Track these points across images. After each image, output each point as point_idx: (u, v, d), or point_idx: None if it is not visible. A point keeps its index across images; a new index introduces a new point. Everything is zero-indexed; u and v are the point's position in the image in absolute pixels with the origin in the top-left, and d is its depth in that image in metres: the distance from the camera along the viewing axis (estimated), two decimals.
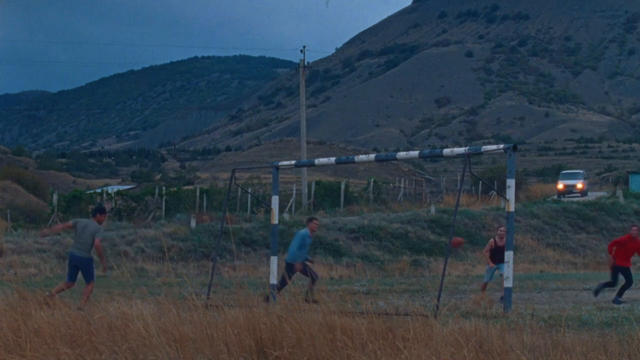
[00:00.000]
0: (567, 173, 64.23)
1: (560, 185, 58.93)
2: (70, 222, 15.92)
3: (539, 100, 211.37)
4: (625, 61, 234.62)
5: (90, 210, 15.97)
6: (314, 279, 16.63)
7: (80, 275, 15.80)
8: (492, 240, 18.07)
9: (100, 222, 15.66)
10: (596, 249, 38.96)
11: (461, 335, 7.72)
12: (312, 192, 50.80)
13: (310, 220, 17.80)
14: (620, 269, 17.72)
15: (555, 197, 56.00)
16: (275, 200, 17.46)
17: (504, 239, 17.28)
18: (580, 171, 64.77)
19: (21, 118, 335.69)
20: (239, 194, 47.13)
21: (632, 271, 18.33)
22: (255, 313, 8.10)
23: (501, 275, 16.97)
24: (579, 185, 58.21)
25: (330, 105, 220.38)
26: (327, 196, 51.39)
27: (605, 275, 26.02)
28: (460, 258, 33.95)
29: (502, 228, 17.89)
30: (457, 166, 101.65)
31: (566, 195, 56.03)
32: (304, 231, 17.39)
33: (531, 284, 22.38)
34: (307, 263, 17.17)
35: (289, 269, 16.81)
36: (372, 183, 55.55)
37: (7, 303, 9.50)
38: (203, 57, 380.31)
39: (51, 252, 29.08)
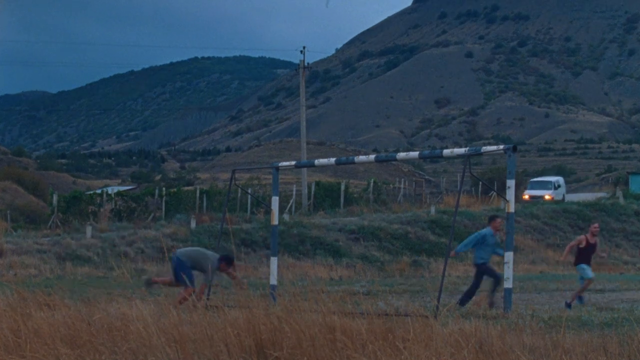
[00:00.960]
0: (537, 181, 58.34)
1: (525, 196, 52.89)
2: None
3: (539, 100, 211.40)
4: (625, 62, 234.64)
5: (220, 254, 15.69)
6: (497, 280, 16.08)
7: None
8: (583, 236, 17.30)
9: (222, 271, 15.46)
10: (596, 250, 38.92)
11: (461, 336, 7.72)
12: (312, 192, 50.80)
13: (493, 218, 17.10)
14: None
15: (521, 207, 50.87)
16: (275, 201, 17.46)
17: (596, 238, 17.03)
18: (552, 179, 58.42)
19: (21, 119, 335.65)
20: (239, 194, 47.13)
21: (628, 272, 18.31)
22: (255, 314, 8.10)
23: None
24: (547, 197, 52.44)
25: (330, 106, 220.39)
26: (327, 197, 51.39)
27: (607, 276, 26.05)
28: (460, 259, 33.92)
29: (595, 225, 17.29)
30: (457, 167, 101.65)
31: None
32: (485, 230, 16.75)
33: (531, 285, 22.38)
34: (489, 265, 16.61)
35: (482, 271, 16.43)
36: (372, 184, 55.56)
37: (7, 304, 9.50)
38: (203, 58, 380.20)
39: (51, 253, 29.08)
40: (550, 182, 57.20)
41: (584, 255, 16.79)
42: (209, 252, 15.80)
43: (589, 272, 16.86)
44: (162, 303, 9.15)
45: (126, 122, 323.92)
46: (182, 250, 16.03)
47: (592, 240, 16.87)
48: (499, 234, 17.03)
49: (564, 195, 56.62)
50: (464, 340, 7.58)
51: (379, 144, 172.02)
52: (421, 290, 20.95)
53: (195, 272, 15.38)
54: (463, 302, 16.03)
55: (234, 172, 18.91)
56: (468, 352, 7.32)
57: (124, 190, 55.55)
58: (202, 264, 15.17)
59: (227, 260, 15.43)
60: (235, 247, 31.59)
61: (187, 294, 14.45)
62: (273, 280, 16.51)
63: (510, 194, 14.18)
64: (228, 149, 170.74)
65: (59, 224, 40.11)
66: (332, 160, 18.24)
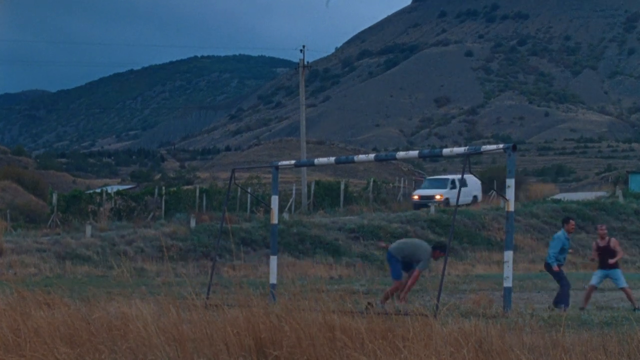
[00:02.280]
0: (433, 179, 53.14)
1: (415, 196, 48.66)
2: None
3: (539, 99, 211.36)
4: (625, 61, 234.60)
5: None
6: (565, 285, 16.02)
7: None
8: (594, 242, 16.97)
9: (436, 258, 16.32)
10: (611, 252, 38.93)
11: (461, 335, 7.71)
12: (312, 191, 50.80)
13: (567, 220, 16.89)
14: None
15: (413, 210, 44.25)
16: (275, 200, 17.45)
17: (606, 239, 16.45)
18: (450, 177, 51.66)
19: (21, 118, 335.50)
20: (239, 193, 47.13)
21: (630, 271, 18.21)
22: (255, 313, 8.10)
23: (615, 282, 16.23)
24: (437, 197, 47.47)
25: (329, 105, 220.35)
26: (326, 196, 51.41)
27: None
28: (460, 258, 33.98)
29: (602, 227, 16.95)
30: (457, 166, 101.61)
31: (425, 207, 44.24)
32: (561, 233, 16.50)
33: (531, 284, 22.38)
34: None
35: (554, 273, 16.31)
36: (371, 183, 55.57)
37: (7, 303, 9.49)
38: (202, 57, 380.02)
39: (51, 252, 29.09)
40: (446, 180, 50.31)
41: (600, 259, 16.49)
42: (420, 242, 16.87)
43: (594, 278, 16.47)
44: (161, 302, 9.15)
45: (126, 121, 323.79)
46: (394, 246, 16.57)
47: (601, 244, 16.40)
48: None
49: (475, 198, 49.98)
50: (464, 340, 7.58)
51: (378, 143, 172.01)
52: (421, 289, 20.93)
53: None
54: (563, 302, 15.79)
55: (233, 171, 18.89)
56: (468, 351, 7.32)
57: (124, 190, 55.57)
58: (416, 254, 15.89)
59: (441, 248, 16.27)
60: (234, 246, 31.61)
61: (398, 285, 15.72)
62: (273, 279, 16.51)
63: (510, 193, 14.17)
64: (228, 148, 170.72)
65: (59, 223, 40.12)
66: (332, 159, 18.24)
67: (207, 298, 13.94)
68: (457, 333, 7.82)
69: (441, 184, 49.42)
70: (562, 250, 16.33)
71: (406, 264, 15.98)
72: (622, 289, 16.19)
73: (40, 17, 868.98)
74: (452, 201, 46.41)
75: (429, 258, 16.02)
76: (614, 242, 16.49)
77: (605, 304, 16.35)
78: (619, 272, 16.30)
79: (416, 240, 17.32)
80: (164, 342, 7.85)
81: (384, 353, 7.34)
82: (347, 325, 7.88)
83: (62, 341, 8.16)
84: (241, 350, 7.75)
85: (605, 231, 16.81)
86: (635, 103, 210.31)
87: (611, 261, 16.11)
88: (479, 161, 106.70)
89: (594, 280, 16.41)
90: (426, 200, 46.65)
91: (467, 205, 46.70)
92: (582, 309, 15.51)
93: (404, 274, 15.94)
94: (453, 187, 47.80)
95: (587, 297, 16.18)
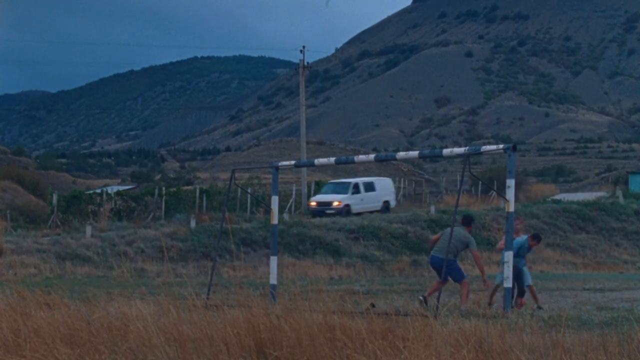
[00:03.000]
0: (335, 183, 46.71)
1: (312, 202, 43.63)
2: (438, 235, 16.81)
3: (539, 100, 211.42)
4: (625, 61, 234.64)
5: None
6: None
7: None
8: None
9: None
10: (596, 249, 38.96)
11: (461, 336, 7.72)
12: (312, 192, 50.81)
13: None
14: None
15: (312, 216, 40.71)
16: (275, 201, 17.45)
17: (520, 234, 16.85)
18: (353, 181, 45.18)
19: (21, 118, 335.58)
20: (239, 194, 47.15)
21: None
22: (255, 313, 8.10)
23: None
24: (335, 203, 42.13)
25: (330, 105, 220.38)
26: None
27: (605, 275, 26.06)
28: (460, 257, 33.93)
29: (521, 220, 17.26)
30: (457, 166, 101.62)
31: (322, 215, 40.60)
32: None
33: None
34: None
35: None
36: None
37: (7, 303, 9.49)
38: (203, 57, 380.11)
39: (51, 253, 29.09)
40: (348, 183, 44.36)
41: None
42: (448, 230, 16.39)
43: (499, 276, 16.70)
44: (161, 303, 9.15)
45: (126, 121, 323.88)
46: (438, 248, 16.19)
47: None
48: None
49: (387, 203, 44.22)
50: (464, 340, 7.58)
51: (378, 144, 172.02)
52: (421, 289, 20.94)
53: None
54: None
55: (233, 171, 18.89)
56: (468, 351, 7.32)
57: (124, 190, 55.58)
58: (458, 240, 15.79)
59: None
60: (234, 247, 31.62)
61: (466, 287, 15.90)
62: (273, 280, 16.52)
63: (510, 194, 14.18)
64: (228, 149, 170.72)
65: (59, 223, 40.13)
66: (332, 159, 18.25)
67: (207, 298, 13.94)
68: (457, 333, 7.82)
69: (342, 189, 43.47)
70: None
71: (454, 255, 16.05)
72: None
73: (40, 18, 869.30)
74: (354, 208, 41.66)
75: (466, 234, 15.98)
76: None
77: (605, 305, 16.35)
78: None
79: (446, 231, 16.36)
80: (164, 343, 7.85)
81: (384, 353, 7.34)
82: (347, 326, 7.88)
83: (62, 341, 8.16)
84: (241, 350, 7.75)
85: (520, 226, 17.10)
86: (635, 103, 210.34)
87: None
88: (479, 161, 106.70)
89: (499, 279, 16.31)
90: (323, 207, 41.78)
91: (378, 212, 41.27)
92: (490, 304, 15.81)
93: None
94: (356, 192, 42.80)
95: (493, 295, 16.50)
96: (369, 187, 43.83)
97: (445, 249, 15.15)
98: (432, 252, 16.28)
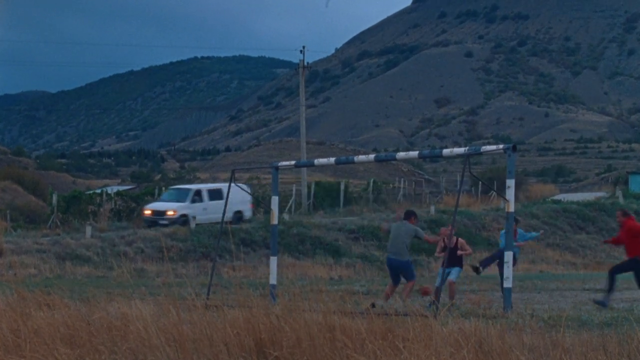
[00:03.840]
0: (174, 190, 41.68)
1: (146, 211, 38.10)
2: (385, 226, 17.80)
3: (539, 100, 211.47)
4: (625, 61, 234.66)
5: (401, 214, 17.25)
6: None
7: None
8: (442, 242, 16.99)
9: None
10: (596, 249, 38.97)
11: (461, 336, 7.72)
12: (312, 192, 50.83)
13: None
14: None
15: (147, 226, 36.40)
16: (275, 201, 17.46)
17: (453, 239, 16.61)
18: (194, 187, 40.77)
19: (21, 118, 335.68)
20: None
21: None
22: (255, 313, 8.10)
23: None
24: (170, 212, 36.83)
25: (329, 105, 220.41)
26: (326, 196, 51.44)
27: (605, 275, 26.01)
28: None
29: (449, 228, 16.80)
30: (457, 166, 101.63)
31: (156, 225, 36.01)
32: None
33: (531, 284, 22.38)
34: None
35: None
36: (371, 183, 55.62)
37: (7, 303, 9.50)
38: (202, 58, 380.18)
39: (51, 253, 29.11)
40: (188, 190, 39.30)
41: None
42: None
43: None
44: (161, 303, 9.16)
45: (126, 121, 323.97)
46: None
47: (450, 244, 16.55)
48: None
49: (239, 214, 37.90)
50: (464, 340, 7.58)
51: (378, 144, 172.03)
52: (421, 290, 20.94)
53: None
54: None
55: (233, 171, 18.89)
56: (468, 351, 7.32)
57: (124, 190, 55.52)
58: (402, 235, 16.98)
59: (414, 215, 17.47)
60: (234, 247, 31.62)
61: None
62: (273, 280, 16.52)
63: (510, 194, 14.18)
64: (228, 149, 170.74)
65: (59, 223, 40.12)
66: (332, 159, 18.25)
67: (207, 299, 13.94)
68: (457, 333, 7.82)
69: (181, 196, 38.43)
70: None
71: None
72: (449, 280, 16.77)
73: (40, 18, 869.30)
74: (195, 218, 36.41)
75: (412, 227, 16.97)
76: (460, 242, 17.21)
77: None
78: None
79: (394, 226, 17.36)
80: (164, 343, 7.85)
81: (384, 354, 7.34)
82: (347, 326, 7.88)
83: (62, 342, 8.16)
84: (241, 350, 7.75)
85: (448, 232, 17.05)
86: (635, 104, 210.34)
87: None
88: (479, 162, 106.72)
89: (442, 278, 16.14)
90: (157, 217, 36.75)
91: (228, 223, 33.13)
92: (432, 302, 15.50)
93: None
94: (198, 200, 37.60)
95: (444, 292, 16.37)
96: (216, 194, 37.91)
97: (397, 250, 16.71)
98: (389, 254, 17.22)
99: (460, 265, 17.26)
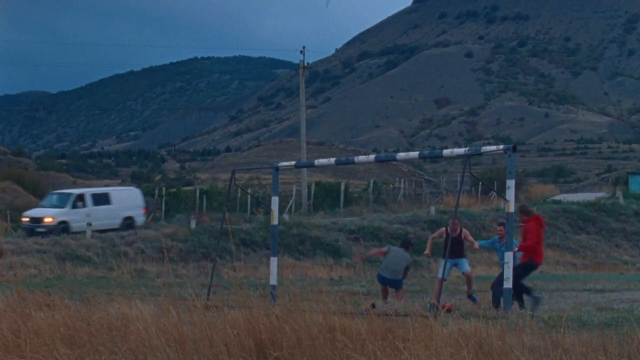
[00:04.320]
0: (56, 194, 38.35)
1: (24, 218, 35.57)
2: (385, 249, 18.61)
3: (539, 100, 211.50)
4: (625, 62, 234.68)
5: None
6: None
7: None
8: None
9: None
10: (596, 250, 38.95)
11: (461, 336, 7.72)
12: (312, 193, 50.83)
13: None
14: None
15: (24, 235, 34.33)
16: (275, 201, 17.44)
17: (457, 230, 17.02)
18: (76, 191, 37.65)
19: (21, 119, 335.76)
20: (239, 194, 47.16)
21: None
22: (255, 314, 8.10)
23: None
24: (47, 219, 34.20)
25: (330, 106, 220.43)
26: (327, 197, 51.47)
27: (606, 276, 26.03)
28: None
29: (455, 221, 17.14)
30: (457, 167, 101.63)
31: (34, 234, 33.58)
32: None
33: (531, 285, 22.34)
34: None
35: None
36: (372, 184, 55.62)
37: (7, 304, 9.50)
38: (203, 58, 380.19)
39: (51, 253, 29.11)
40: (69, 195, 36.39)
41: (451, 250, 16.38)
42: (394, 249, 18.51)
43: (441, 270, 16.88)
44: (162, 303, 9.16)
45: (126, 122, 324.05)
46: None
47: (453, 235, 16.58)
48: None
49: (130, 220, 36.31)
50: (464, 341, 7.58)
51: (378, 144, 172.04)
52: (421, 290, 20.98)
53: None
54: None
55: (233, 172, 18.89)
56: (468, 352, 7.32)
57: None
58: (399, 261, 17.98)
59: (410, 244, 18.58)
60: (235, 247, 31.62)
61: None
62: (273, 281, 16.51)
63: (510, 194, 14.17)
64: (228, 149, 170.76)
65: (374, 249, 40.12)
66: (332, 160, 18.24)
67: (208, 299, 13.95)
68: (458, 334, 7.82)
69: (61, 201, 35.73)
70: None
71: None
72: (465, 272, 17.51)
73: (40, 18, 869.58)
74: (75, 225, 34.00)
75: (409, 256, 18.14)
76: (465, 233, 17.38)
77: (605, 305, 16.35)
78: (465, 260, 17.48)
79: (392, 249, 18.52)
80: (164, 343, 7.85)
81: (384, 354, 7.34)
82: (347, 327, 7.88)
83: (62, 342, 8.16)
84: (241, 351, 7.75)
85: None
86: (636, 104, 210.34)
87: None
88: (479, 162, 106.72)
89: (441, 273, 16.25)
90: (34, 225, 34.30)
91: (116, 230, 34.25)
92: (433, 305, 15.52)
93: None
94: (80, 205, 35.07)
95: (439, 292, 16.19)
96: (102, 199, 35.99)
97: (394, 271, 17.53)
98: (380, 271, 17.88)
99: (464, 255, 17.70)
